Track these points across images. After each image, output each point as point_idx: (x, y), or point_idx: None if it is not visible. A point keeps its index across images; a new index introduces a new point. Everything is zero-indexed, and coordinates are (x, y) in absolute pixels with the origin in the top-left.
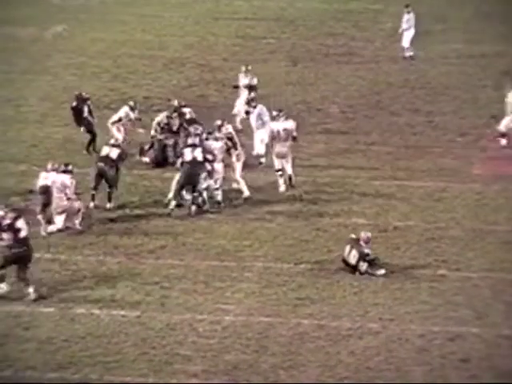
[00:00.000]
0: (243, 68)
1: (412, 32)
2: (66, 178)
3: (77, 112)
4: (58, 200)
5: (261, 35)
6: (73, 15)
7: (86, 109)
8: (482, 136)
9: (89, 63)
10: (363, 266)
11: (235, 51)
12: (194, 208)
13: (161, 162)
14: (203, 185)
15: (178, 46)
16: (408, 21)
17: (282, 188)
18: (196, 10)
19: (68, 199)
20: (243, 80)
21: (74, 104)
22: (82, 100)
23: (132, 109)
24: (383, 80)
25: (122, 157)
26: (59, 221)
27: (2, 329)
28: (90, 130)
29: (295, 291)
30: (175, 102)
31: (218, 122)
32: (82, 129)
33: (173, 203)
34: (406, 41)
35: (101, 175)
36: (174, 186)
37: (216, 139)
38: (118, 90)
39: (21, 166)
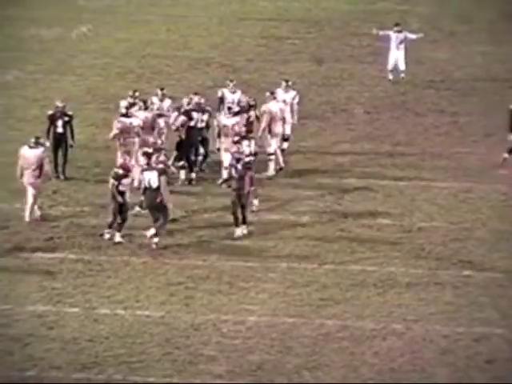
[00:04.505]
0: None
1: (402, 54)
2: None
3: (50, 122)
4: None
5: (286, 36)
6: (97, 16)
7: (59, 123)
8: (507, 137)
9: (113, 64)
10: None
11: (260, 52)
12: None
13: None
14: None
15: (202, 47)
16: (397, 40)
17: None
18: (221, 11)
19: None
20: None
21: (51, 112)
22: (60, 112)
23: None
24: (408, 81)
25: None
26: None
27: (27, 328)
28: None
29: (319, 292)
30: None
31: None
32: (48, 143)
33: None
34: (391, 63)
35: None
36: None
37: (234, 114)
38: (143, 90)
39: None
